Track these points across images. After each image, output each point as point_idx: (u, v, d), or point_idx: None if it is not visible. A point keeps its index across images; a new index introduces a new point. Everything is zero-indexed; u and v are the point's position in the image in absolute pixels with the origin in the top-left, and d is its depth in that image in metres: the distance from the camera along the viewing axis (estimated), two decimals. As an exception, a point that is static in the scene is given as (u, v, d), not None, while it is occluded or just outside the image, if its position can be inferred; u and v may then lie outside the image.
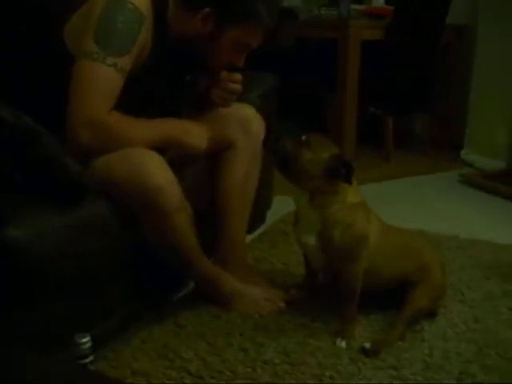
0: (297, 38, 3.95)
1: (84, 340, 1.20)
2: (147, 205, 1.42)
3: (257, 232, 2.22)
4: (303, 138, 1.50)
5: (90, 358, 1.22)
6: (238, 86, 1.70)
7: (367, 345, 1.50)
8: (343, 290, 1.58)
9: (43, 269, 1.25)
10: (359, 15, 3.50)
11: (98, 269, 1.40)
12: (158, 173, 1.42)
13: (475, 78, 3.56)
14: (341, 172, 1.45)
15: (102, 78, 1.43)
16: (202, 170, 1.77)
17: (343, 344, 1.53)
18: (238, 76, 1.70)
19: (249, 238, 2.04)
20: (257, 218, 2.05)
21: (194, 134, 1.58)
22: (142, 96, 1.57)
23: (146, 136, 1.49)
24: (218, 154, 1.74)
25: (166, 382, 1.38)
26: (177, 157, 1.63)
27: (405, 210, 2.65)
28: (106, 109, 1.44)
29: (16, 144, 1.17)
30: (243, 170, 1.76)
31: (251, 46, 1.63)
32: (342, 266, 1.55)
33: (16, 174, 1.19)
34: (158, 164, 1.44)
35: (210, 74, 1.71)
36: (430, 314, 1.67)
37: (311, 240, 1.54)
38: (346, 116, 3.42)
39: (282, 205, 2.20)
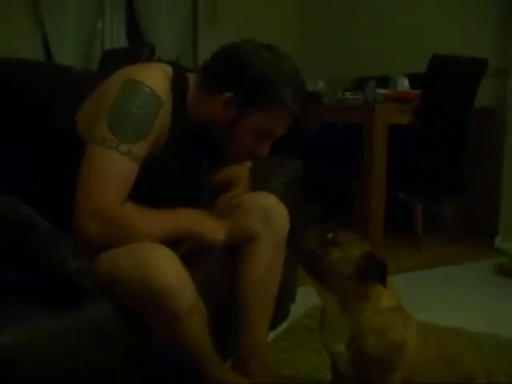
0: (321, 122, 3.91)
1: None
2: (156, 305, 1.27)
3: (279, 328, 2.04)
4: (329, 235, 1.37)
5: None
6: None
7: None
8: (377, 403, 1.39)
9: (35, 379, 1.10)
10: (384, 99, 3.43)
11: (101, 378, 1.25)
12: (168, 270, 1.28)
13: (507, 160, 3.44)
14: (373, 272, 1.31)
15: (114, 167, 1.33)
16: (219, 262, 1.62)
17: None
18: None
19: (271, 335, 1.87)
20: (280, 312, 1.89)
21: (210, 225, 1.46)
22: (160, 181, 1.46)
23: (159, 229, 1.37)
24: (237, 246, 1.60)
25: None
26: (192, 248, 1.50)
27: (437, 303, 2.48)
28: (117, 200, 1.32)
29: (9, 237, 1.05)
30: (266, 262, 1.61)
31: (275, 133, 1.53)
32: (374, 377, 1.37)
33: (8, 272, 1.06)
34: (169, 260, 1.30)
35: (229, 161, 1.61)
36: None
37: (340, 347, 1.37)
38: (373, 202, 3.30)
39: (307, 297, 2.02)
